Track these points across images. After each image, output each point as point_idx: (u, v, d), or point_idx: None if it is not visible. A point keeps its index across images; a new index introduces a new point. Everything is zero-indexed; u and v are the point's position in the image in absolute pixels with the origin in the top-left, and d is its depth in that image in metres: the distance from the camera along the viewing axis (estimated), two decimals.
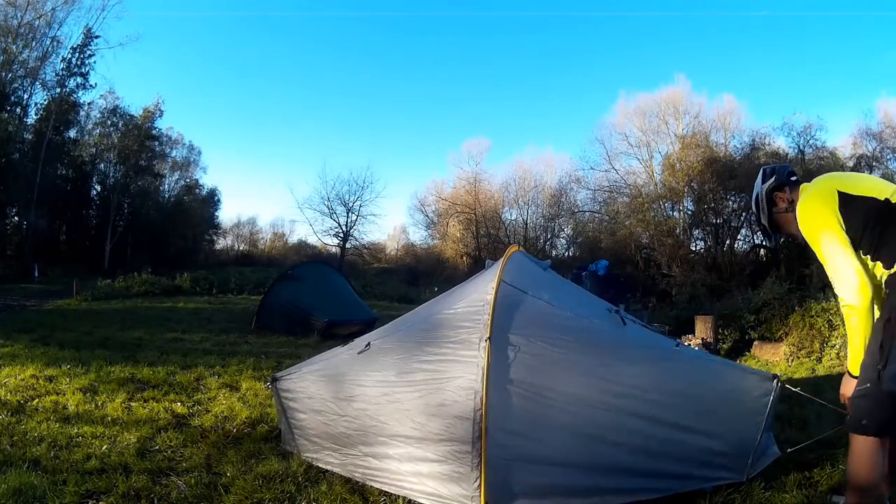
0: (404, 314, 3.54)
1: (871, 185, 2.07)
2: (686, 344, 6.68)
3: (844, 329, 6.16)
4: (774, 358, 6.71)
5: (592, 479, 2.33)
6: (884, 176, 16.71)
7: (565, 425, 2.36)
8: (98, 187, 28.24)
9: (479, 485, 2.23)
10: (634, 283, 13.49)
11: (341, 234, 34.20)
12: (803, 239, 2.15)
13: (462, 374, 2.41)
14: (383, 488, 2.55)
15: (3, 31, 20.63)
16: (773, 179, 2.27)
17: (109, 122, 27.00)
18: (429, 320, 2.94)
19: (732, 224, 17.11)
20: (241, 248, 41.69)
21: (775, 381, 2.46)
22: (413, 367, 2.61)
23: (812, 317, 6.61)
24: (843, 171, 16.98)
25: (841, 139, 19.13)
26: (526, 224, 31.41)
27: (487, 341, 2.41)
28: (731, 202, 16.98)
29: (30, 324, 7.89)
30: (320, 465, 2.83)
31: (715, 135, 19.53)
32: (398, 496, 2.49)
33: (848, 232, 2.00)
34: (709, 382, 2.50)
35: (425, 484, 2.41)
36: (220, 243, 40.45)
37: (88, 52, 24.44)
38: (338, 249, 34.26)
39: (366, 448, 2.66)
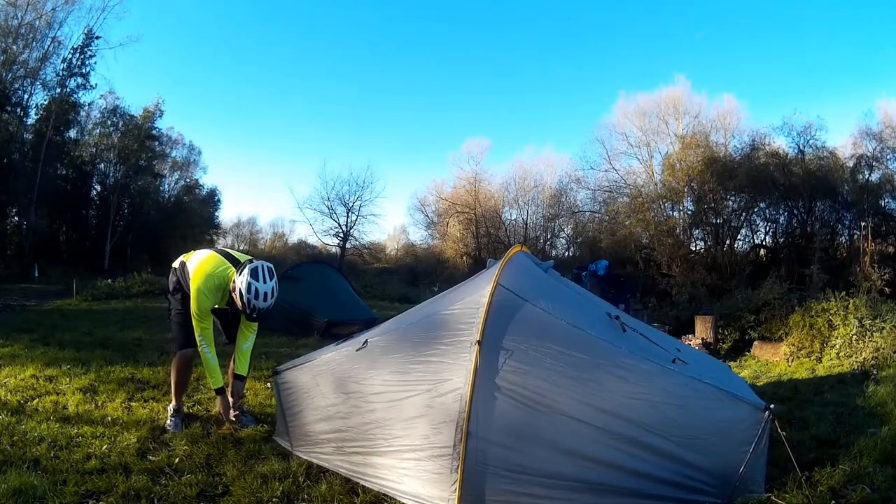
0: (402, 312, 3.54)
1: None
2: (686, 344, 6.67)
3: (845, 329, 6.15)
4: (774, 358, 6.70)
5: (571, 494, 2.29)
6: (884, 176, 16.64)
7: (549, 438, 2.33)
8: (98, 187, 28.17)
9: (456, 488, 2.22)
10: (634, 283, 13.46)
11: (341, 234, 34.19)
12: None
13: (451, 375, 2.41)
14: (368, 485, 2.55)
15: (3, 31, 20.60)
16: None
17: (109, 123, 26.90)
18: (425, 320, 2.94)
19: (732, 224, 17.10)
20: (241, 248, 41.66)
21: (767, 412, 2.36)
22: (407, 367, 2.61)
23: (812, 317, 6.60)
24: (844, 170, 16.90)
25: (841, 139, 19.01)
26: (526, 224, 31.38)
27: (477, 344, 2.39)
28: (731, 202, 16.97)
29: (30, 324, 7.87)
30: (311, 460, 2.84)
31: (715, 135, 19.44)
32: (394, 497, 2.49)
33: None
34: (699, 406, 2.43)
35: (408, 484, 2.41)
36: (221, 243, 40.39)
37: (89, 53, 24.36)
38: (338, 249, 34.24)
39: (356, 444, 2.67)
